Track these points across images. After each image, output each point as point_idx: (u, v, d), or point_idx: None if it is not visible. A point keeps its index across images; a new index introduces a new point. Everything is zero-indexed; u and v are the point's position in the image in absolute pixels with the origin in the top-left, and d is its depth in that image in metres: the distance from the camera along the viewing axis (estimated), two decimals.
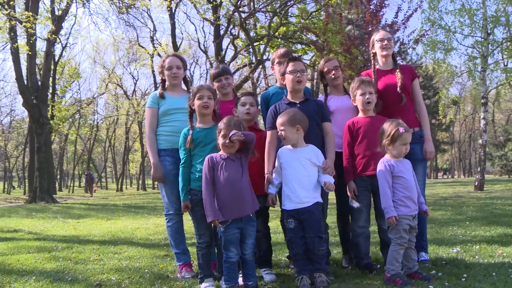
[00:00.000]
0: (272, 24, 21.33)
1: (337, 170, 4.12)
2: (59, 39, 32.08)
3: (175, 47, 27.97)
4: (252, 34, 24.13)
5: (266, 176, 3.85)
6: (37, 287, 4.09)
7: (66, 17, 24.75)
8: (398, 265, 3.48)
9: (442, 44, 14.99)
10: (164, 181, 4.30)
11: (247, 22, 23.40)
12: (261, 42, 23.05)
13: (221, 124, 3.59)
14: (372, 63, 4.53)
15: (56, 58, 33.35)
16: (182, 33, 35.31)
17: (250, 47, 21.53)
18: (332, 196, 4.44)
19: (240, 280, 3.65)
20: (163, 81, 4.53)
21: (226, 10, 24.49)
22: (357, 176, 4.00)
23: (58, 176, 47.99)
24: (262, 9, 21.34)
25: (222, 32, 24.51)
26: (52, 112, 28.82)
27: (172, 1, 24.23)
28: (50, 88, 33.99)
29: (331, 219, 5.16)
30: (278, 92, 4.43)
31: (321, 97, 4.64)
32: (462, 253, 4.58)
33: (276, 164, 3.82)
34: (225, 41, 25.48)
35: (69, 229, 8.82)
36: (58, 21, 15.80)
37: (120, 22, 48.98)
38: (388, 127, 3.63)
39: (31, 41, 15.35)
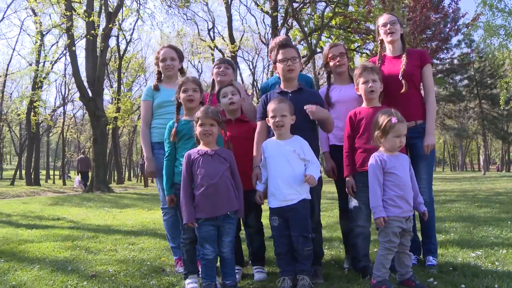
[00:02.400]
0: (329, 14, 20.82)
1: (338, 164, 3.92)
2: (124, 35, 33.60)
3: (232, 40, 28.25)
4: (311, 24, 23.71)
5: (253, 169, 3.65)
6: (36, 275, 4.19)
7: (130, 14, 25.69)
8: (385, 271, 3.14)
9: (503, 28, 13.70)
10: (156, 175, 4.26)
11: (303, 12, 23.07)
12: (318, 33, 22.52)
13: (198, 113, 3.45)
14: (379, 50, 4.16)
15: (121, 53, 34.78)
16: (243, 25, 35.57)
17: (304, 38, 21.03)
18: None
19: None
20: (159, 73, 4.45)
21: (284, 1, 24.20)
22: (357, 171, 3.67)
23: (127, 167, 50.04)
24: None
25: (280, 23, 24.40)
26: (117, 105, 30.11)
27: None
28: (116, 82, 35.53)
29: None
30: (278, 82, 4.20)
31: (323, 87, 4.33)
32: (482, 258, 4.13)
33: (262, 158, 3.61)
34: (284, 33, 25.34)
35: (108, 219, 9.07)
36: (108, 17, 16.31)
37: (168, 17, 50.01)
38: (380, 117, 3.29)
39: (84, 37, 15.98)
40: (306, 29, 22.19)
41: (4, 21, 46.78)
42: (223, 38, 32.53)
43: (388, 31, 3.98)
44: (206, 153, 3.41)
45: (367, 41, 20.33)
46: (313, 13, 23.74)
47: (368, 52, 20.97)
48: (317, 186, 3.60)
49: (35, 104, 29.63)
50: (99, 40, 17.76)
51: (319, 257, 3.75)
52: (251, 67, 40.64)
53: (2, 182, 43.43)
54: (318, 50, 24.28)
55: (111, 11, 17.06)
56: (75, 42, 20.17)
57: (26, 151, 37.12)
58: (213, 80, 4.39)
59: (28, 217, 9.52)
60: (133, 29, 34.45)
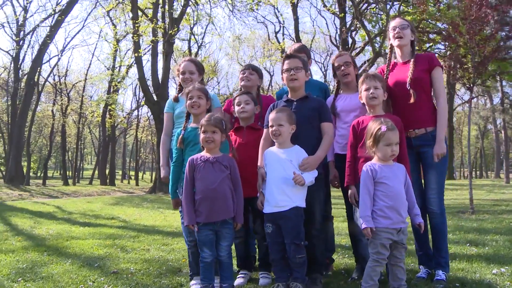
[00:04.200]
0: (394, 14, 20.33)
1: (340, 172, 3.94)
2: (195, 38, 34.82)
3: (299, 42, 28.33)
4: (380, 25, 23.29)
5: (258, 171, 3.71)
6: (66, 269, 4.56)
7: (201, 18, 26.59)
8: (372, 283, 3.07)
9: None
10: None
11: (369, 13, 22.71)
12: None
13: (202, 121, 3.59)
14: (388, 56, 4.08)
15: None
16: (314, 27, 35.74)
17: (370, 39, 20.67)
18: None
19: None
20: (180, 85, 4.63)
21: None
22: (359, 181, 3.61)
23: None
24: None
25: (348, 24, 24.23)
26: None
27: None
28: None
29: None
30: None
31: (331, 96, 4.32)
32: (504, 275, 3.88)
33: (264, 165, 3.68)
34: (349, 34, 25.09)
35: (158, 219, 9.46)
36: (172, 23, 16.99)
37: (230, 22, 50.39)
38: (371, 125, 3.25)
39: (152, 43, 16.84)
40: (375, 29, 21.85)
41: (84, 29, 50.22)
42: (293, 40, 32.69)
43: (396, 35, 3.90)
44: (208, 160, 3.53)
45: (440, 41, 19.31)
46: (380, 13, 23.25)
47: (438, 52, 20.08)
48: (318, 193, 3.63)
49: (110, 107, 31.47)
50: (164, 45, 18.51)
51: (320, 265, 3.72)
52: (322, 69, 40.49)
53: (82, 181, 46.50)
54: (384, 50, 23.78)
55: (175, 17, 17.79)
56: (143, 47, 21.30)
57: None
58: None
59: (86, 215, 10.17)
60: (204, 33, 35.56)
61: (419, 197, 3.79)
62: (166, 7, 17.65)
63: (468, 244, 5.48)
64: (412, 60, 3.86)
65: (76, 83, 40.42)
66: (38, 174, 54.05)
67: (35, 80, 28.50)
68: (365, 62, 25.88)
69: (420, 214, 3.27)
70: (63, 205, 12.98)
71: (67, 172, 42.06)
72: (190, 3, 19.73)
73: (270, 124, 3.57)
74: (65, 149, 41.16)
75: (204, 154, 3.60)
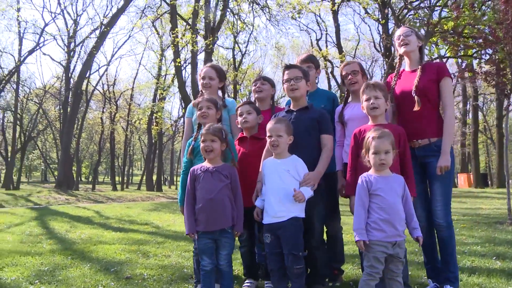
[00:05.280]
0: (435, 20, 19.79)
1: None
2: (239, 47, 35.30)
3: (340, 49, 28.18)
4: (422, 32, 22.72)
5: (257, 184, 3.72)
6: (82, 273, 4.73)
7: (245, 27, 26.92)
8: None
9: None
10: None
11: (412, 19, 22.24)
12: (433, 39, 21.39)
13: (203, 130, 3.64)
14: (397, 65, 3.99)
15: (237, 65, 36.55)
16: (358, 33, 35.47)
17: None
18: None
19: None
20: (201, 90, 4.70)
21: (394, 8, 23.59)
22: None
23: None
24: (419, 4, 19.96)
25: (390, 31, 23.84)
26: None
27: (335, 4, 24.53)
28: (232, 92, 37.39)
29: None
30: None
31: (340, 105, 4.25)
32: None
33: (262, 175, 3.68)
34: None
35: None
36: (207, 33, 17.29)
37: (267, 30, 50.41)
38: (366, 135, 3.19)
39: (191, 51, 17.25)
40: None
41: (131, 39, 51.85)
42: (336, 47, 32.45)
43: (402, 42, 3.82)
44: (208, 169, 3.58)
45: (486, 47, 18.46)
46: (424, 19, 22.65)
47: (485, 58, 19.30)
48: (318, 204, 3.60)
49: (155, 115, 32.31)
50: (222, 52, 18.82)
51: (321, 276, 3.68)
52: (368, 76, 39.96)
53: (130, 186, 47.85)
54: (431, 57, 23.17)
55: (214, 26, 18.10)
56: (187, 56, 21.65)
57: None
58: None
59: (122, 221, 10.46)
60: (248, 41, 35.89)
61: (425, 209, 3.69)
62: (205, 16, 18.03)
63: (494, 258, 5.23)
64: (419, 68, 3.76)
65: (124, 91, 41.76)
66: (89, 179, 56.05)
67: (83, 89, 29.74)
68: None
69: (419, 228, 3.14)
70: (103, 210, 13.41)
71: (117, 178, 43.35)
72: (230, 12, 20.04)
73: (268, 134, 3.56)
74: (114, 155, 42.50)
75: (205, 164, 3.65)
